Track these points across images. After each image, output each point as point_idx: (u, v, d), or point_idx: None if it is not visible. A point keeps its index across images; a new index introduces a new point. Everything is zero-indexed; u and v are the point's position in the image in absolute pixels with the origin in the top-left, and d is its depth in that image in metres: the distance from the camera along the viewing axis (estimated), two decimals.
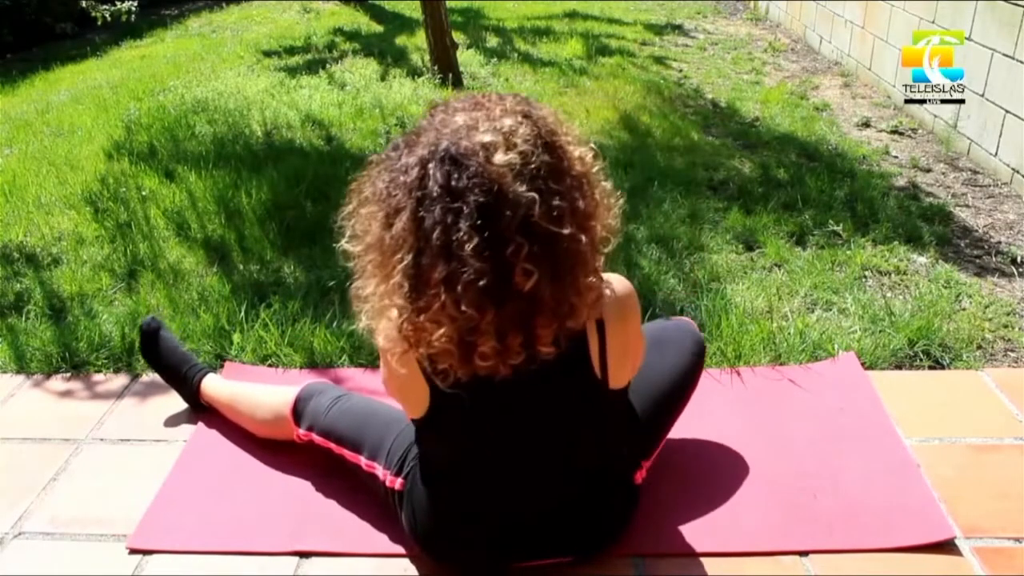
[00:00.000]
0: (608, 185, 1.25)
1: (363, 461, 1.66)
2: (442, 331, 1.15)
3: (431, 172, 1.14)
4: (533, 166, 1.14)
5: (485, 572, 1.55)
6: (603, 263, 1.26)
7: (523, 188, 1.12)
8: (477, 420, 1.35)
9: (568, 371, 1.28)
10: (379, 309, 1.23)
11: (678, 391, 1.72)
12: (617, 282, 1.33)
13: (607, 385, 1.33)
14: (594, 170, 1.23)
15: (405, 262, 1.15)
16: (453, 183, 1.12)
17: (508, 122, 1.17)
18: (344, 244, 1.28)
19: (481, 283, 1.11)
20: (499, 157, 1.13)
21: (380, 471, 1.61)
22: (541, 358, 1.20)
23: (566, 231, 1.14)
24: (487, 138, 1.14)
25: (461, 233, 1.11)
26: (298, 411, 1.80)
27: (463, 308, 1.12)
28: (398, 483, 1.56)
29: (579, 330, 1.24)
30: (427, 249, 1.13)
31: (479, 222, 1.11)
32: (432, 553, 1.55)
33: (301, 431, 1.80)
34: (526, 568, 1.53)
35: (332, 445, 1.74)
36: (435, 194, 1.12)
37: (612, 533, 1.57)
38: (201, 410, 2.03)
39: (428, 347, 1.19)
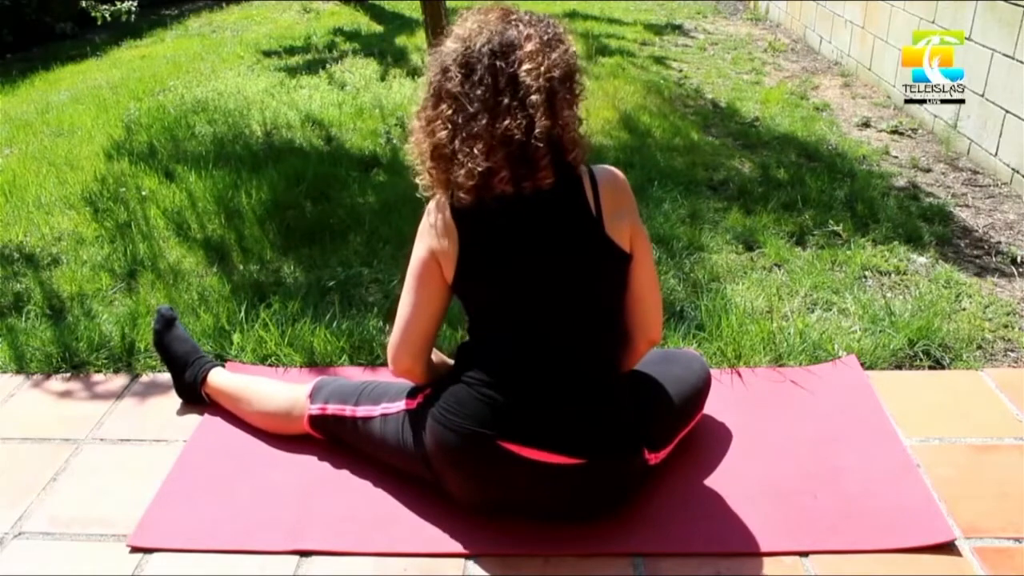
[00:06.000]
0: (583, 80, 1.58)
1: (378, 411, 1.74)
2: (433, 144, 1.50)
3: (477, 50, 1.47)
4: (547, 56, 1.47)
5: (496, 467, 1.56)
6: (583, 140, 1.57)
7: (531, 66, 1.46)
8: (497, 258, 1.55)
9: (566, 203, 1.54)
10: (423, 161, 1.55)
11: (684, 397, 1.78)
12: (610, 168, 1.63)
13: (603, 227, 1.54)
14: (578, 68, 1.56)
15: (447, 113, 1.49)
16: (493, 60, 1.46)
17: (529, 20, 1.52)
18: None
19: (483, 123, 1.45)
20: (529, 47, 1.47)
21: (399, 406, 1.72)
22: (534, 188, 1.51)
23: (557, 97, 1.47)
24: (525, 31, 1.49)
25: (483, 91, 1.45)
26: (315, 391, 1.87)
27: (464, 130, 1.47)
28: (415, 403, 1.69)
29: (573, 177, 1.54)
30: (472, 104, 1.46)
31: (499, 84, 1.45)
32: (449, 447, 1.58)
33: (315, 407, 1.84)
34: (537, 474, 1.54)
35: (347, 410, 1.79)
36: (483, 62, 1.46)
37: (623, 447, 1.60)
38: (194, 403, 2.04)
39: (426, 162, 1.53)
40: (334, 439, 1.85)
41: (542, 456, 1.54)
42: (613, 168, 1.61)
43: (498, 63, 1.45)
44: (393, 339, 1.65)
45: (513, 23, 1.50)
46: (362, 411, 1.77)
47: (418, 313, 1.62)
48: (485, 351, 1.61)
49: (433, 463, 1.63)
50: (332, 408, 1.82)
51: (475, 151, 1.46)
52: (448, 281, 1.59)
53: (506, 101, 1.45)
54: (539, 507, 1.63)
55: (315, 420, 1.84)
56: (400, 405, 1.72)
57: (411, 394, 1.72)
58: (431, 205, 1.59)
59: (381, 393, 1.78)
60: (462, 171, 1.48)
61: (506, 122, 1.44)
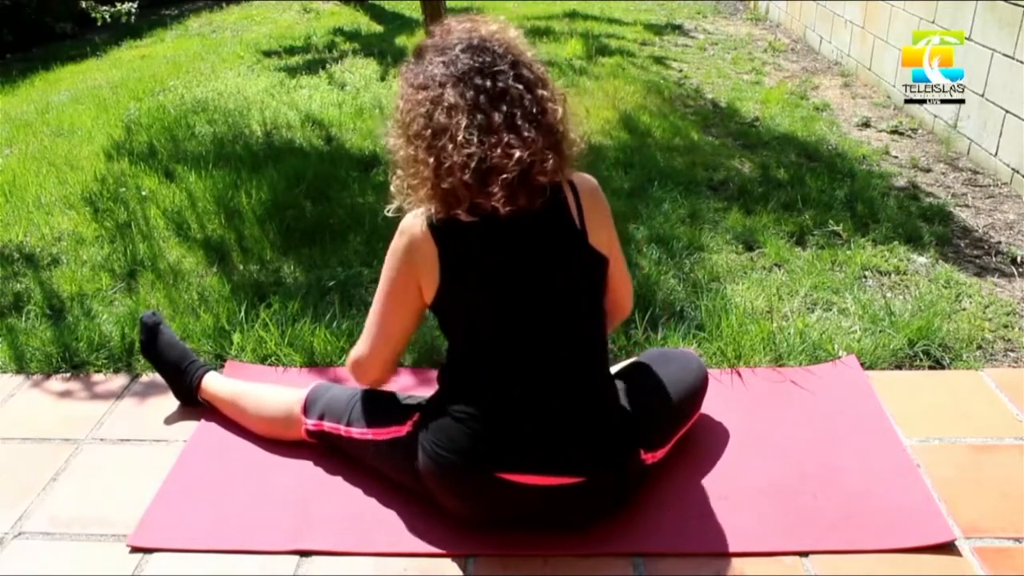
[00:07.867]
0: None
1: (369, 435, 1.71)
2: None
3: (458, 61, 1.46)
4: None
5: (493, 494, 1.55)
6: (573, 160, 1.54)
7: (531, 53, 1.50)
8: (482, 277, 1.52)
9: (551, 217, 1.53)
10: (415, 185, 1.49)
11: (681, 397, 1.78)
12: (587, 176, 1.61)
13: (587, 238, 1.54)
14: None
15: (463, 124, 1.42)
16: (485, 58, 1.45)
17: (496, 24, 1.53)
18: (389, 140, 1.60)
19: (535, 113, 1.44)
20: (511, 33, 1.51)
21: (388, 431, 1.69)
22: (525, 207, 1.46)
23: (544, 92, 1.48)
24: (494, 27, 1.51)
25: (508, 84, 1.44)
26: (309, 405, 1.84)
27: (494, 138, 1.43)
28: (405, 430, 1.66)
29: (556, 189, 1.51)
30: (483, 109, 1.42)
31: (515, 73, 1.45)
32: (444, 478, 1.57)
33: (311, 422, 1.82)
34: (536, 494, 1.53)
35: (342, 428, 1.77)
36: (472, 68, 1.44)
37: (620, 458, 1.60)
38: (194, 406, 2.04)
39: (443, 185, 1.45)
40: (332, 448, 1.84)
41: (540, 480, 1.53)
42: (588, 175, 1.60)
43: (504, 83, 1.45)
44: (362, 356, 1.65)
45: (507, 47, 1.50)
46: (355, 432, 1.74)
47: (391, 333, 1.62)
48: (470, 377, 1.58)
49: (427, 487, 1.63)
50: (328, 426, 1.80)
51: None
52: (427, 301, 1.56)
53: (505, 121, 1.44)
54: (539, 521, 1.62)
55: (312, 434, 1.84)
56: (389, 431, 1.69)
57: (399, 420, 1.68)
58: (405, 224, 1.55)
59: (370, 416, 1.74)
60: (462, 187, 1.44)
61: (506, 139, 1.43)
